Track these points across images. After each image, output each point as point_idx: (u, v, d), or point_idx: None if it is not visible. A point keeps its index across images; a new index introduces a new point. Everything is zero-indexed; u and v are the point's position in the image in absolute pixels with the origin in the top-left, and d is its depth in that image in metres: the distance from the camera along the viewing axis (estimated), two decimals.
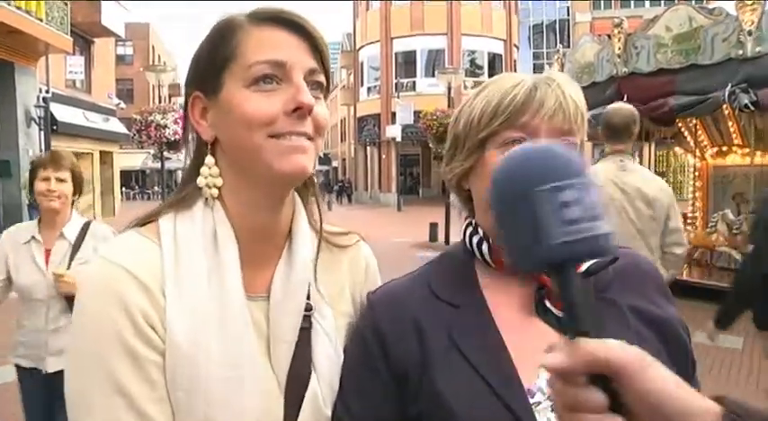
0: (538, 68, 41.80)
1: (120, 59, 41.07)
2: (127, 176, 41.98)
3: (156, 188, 46.12)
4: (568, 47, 38.99)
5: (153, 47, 48.09)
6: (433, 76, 32.65)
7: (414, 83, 34.35)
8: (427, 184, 37.96)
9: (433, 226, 16.62)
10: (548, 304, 0.92)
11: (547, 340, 0.67)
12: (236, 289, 0.93)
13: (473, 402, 0.88)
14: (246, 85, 0.91)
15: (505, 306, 0.97)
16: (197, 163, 0.98)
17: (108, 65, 27.45)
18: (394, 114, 31.99)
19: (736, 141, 10.36)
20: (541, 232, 0.57)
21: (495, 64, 34.42)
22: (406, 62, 35.32)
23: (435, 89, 28.62)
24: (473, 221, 1.06)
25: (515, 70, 36.23)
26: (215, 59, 0.94)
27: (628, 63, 9.08)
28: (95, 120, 23.93)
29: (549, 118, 0.96)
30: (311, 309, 1.00)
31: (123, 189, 35.85)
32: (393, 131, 31.28)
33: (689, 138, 11.53)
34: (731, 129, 10.18)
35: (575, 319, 0.57)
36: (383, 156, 36.42)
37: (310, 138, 0.94)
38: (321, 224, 1.08)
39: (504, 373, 0.88)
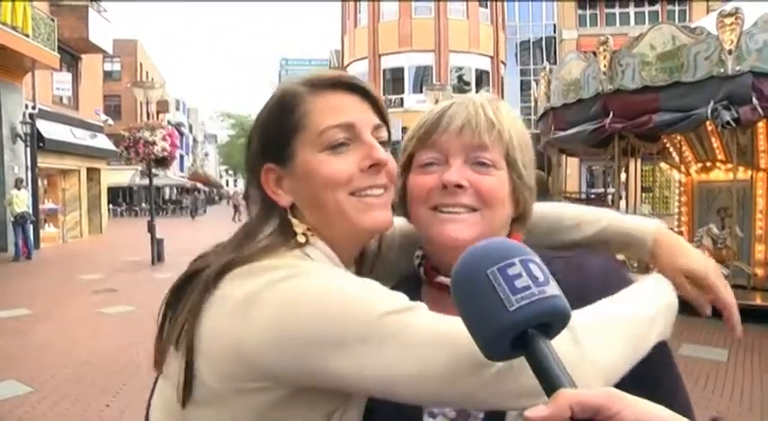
0: (525, 85, 42.06)
1: (108, 75, 40.99)
2: (114, 193, 41.66)
3: (143, 205, 45.87)
4: (555, 63, 39.35)
5: (141, 64, 48.03)
6: (421, 92, 32.85)
7: (401, 99, 34.45)
8: None
9: None
10: None
11: None
12: None
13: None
14: (320, 150, 0.97)
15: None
16: (261, 225, 1.03)
17: (95, 81, 27.35)
18: None
19: (719, 157, 10.48)
20: (500, 304, 0.65)
21: (482, 80, 34.65)
22: (394, 78, 35.45)
23: (423, 105, 28.69)
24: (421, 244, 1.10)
25: (503, 87, 36.59)
26: (283, 131, 1.00)
27: (613, 80, 9.19)
28: (82, 137, 23.79)
29: (457, 135, 0.99)
30: None
31: (110, 206, 35.59)
32: None
33: (674, 154, 11.68)
34: (714, 145, 10.32)
35: (550, 380, 0.63)
36: None
37: (386, 189, 1.01)
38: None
39: None
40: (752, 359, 6.83)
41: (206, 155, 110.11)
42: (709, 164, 10.86)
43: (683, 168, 11.52)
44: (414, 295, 0.99)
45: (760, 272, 9.69)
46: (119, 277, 13.69)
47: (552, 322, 0.67)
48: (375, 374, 0.83)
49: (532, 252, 0.70)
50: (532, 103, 19.56)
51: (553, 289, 0.67)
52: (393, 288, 0.93)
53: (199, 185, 65.31)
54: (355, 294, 0.87)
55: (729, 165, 9.86)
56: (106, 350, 7.35)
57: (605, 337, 0.84)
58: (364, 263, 1.13)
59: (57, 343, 7.80)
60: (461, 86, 34.23)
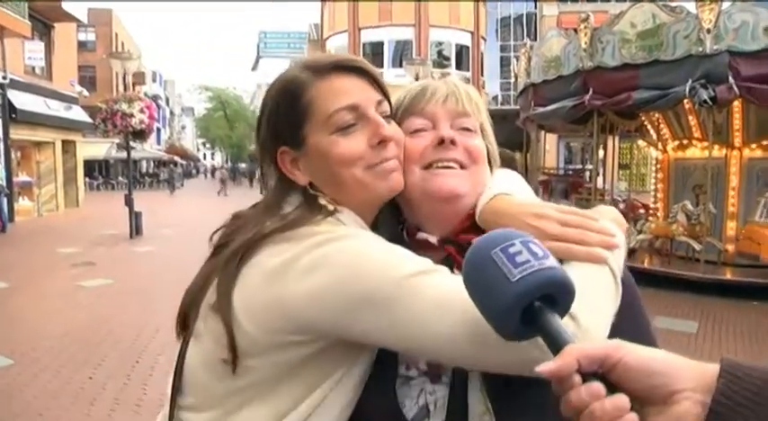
0: (504, 60, 42.03)
1: (82, 46, 40.00)
2: (90, 166, 40.99)
3: (120, 178, 45.23)
4: (535, 40, 39.38)
5: (116, 34, 47.03)
6: (401, 66, 32.66)
7: (381, 73, 34.21)
8: None
9: None
10: (455, 270, 1.01)
11: None
12: None
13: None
14: (331, 133, 1.06)
15: None
16: (279, 201, 1.12)
17: (69, 51, 26.76)
18: None
19: (696, 135, 10.64)
20: (503, 278, 0.72)
21: (462, 55, 34.53)
22: (374, 53, 35.16)
23: (402, 80, 28.51)
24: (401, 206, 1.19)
25: (482, 62, 36.55)
26: (292, 118, 1.08)
27: (593, 57, 9.27)
28: (57, 109, 23.31)
29: (443, 103, 1.11)
30: None
31: (86, 179, 35.00)
32: None
33: (652, 132, 11.83)
34: (691, 123, 10.46)
35: (558, 341, 0.70)
36: None
37: (396, 157, 1.10)
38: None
39: None
40: (720, 330, 7.04)
41: (183, 128, 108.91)
42: (685, 141, 11.02)
43: (660, 146, 11.67)
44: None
45: (731, 248, 9.91)
46: (97, 250, 13.61)
47: (556, 294, 0.73)
48: (401, 331, 0.92)
49: (531, 235, 0.79)
50: (512, 79, 19.66)
51: (552, 262, 0.74)
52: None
53: (176, 158, 64.69)
54: (386, 256, 0.97)
55: (705, 144, 10.02)
56: (86, 323, 7.36)
57: (592, 303, 0.88)
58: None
59: (35, 316, 7.80)
60: (441, 61, 34.11)
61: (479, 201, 1.11)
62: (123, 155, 44.74)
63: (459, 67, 33.89)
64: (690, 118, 10.34)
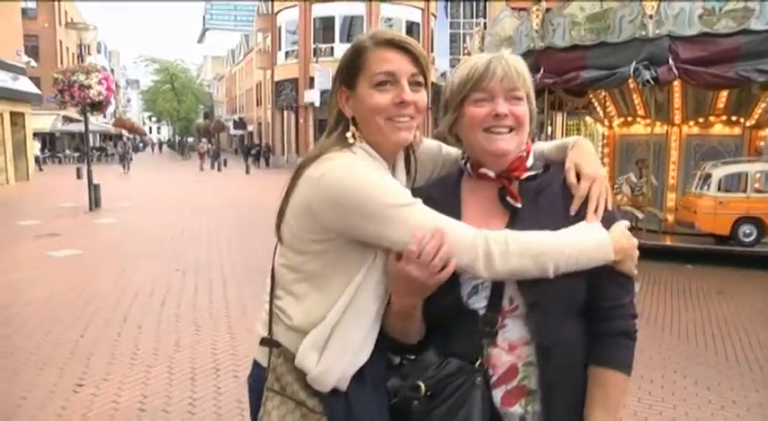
0: (453, 37, 42.50)
1: (23, 13, 38.68)
2: (36, 139, 39.79)
3: (67, 151, 44.01)
4: (484, 18, 39.86)
5: (59, 1, 45.39)
6: (350, 41, 32.60)
7: (332, 48, 34.27)
8: None
9: None
10: (507, 198, 1.50)
11: (493, 223, 1.44)
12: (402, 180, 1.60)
13: None
14: (371, 87, 1.47)
15: (475, 203, 1.55)
16: (335, 126, 1.56)
17: (12, 19, 26.02)
18: (312, 79, 31.98)
19: (639, 113, 11.38)
20: None
21: (412, 32, 34.62)
22: (324, 27, 35.17)
23: None
24: (464, 151, 1.64)
25: (432, 38, 36.89)
26: (352, 69, 1.51)
27: (544, 38, 9.77)
28: (3, 79, 22.81)
29: (500, 81, 1.46)
30: None
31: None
32: (311, 96, 31.36)
33: (599, 109, 12.51)
34: (636, 102, 11.18)
35: None
36: (301, 121, 36.29)
37: (412, 117, 1.50)
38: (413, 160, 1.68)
39: None
40: (660, 290, 7.77)
41: (128, 101, 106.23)
42: (630, 119, 11.76)
43: (606, 122, 12.39)
44: (453, 187, 1.60)
45: (670, 217, 10.73)
46: (58, 222, 13.64)
47: None
48: (383, 235, 1.36)
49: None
50: (462, 56, 20.07)
51: None
52: (434, 185, 1.65)
53: (123, 132, 63.27)
54: (376, 184, 1.37)
55: (648, 121, 10.77)
56: (65, 289, 7.59)
57: (519, 251, 1.35)
58: (410, 170, 1.66)
59: (12, 283, 7.99)
60: None
61: (563, 141, 1.65)
62: (70, 128, 43.73)
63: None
64: (634, 96, 11.05)
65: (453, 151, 1.74)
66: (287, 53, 38.06)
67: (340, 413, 1.44)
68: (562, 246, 1.36)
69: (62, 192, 20.32)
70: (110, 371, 4.92)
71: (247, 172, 33.22)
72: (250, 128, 61.66)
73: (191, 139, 74.97)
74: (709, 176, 9.76)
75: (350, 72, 1.50)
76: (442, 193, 1.57)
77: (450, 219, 1.37)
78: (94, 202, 15.70)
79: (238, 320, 6.35)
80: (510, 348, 1.43)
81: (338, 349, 1.42)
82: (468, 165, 1.58)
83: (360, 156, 1.46)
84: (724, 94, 10.28)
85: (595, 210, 1.46)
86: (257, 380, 1.53)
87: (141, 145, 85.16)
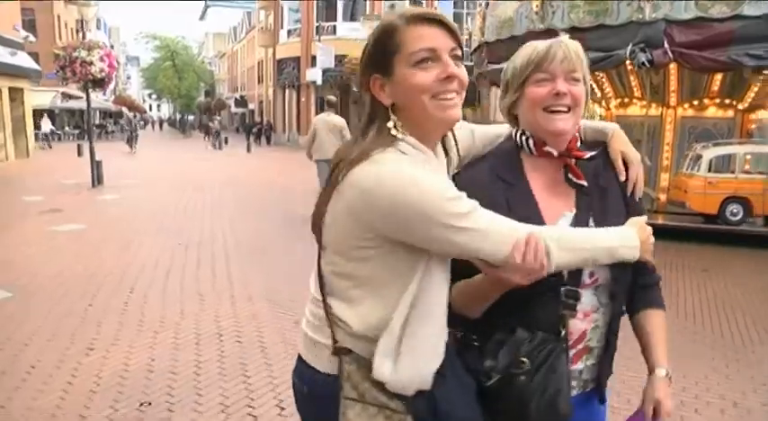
0: (456, 17, 42.25)
1: None
2: (35, 116, 39.60)
3: (67, 128, 43.94)
4: None
5: None
6: (353, 20, 32.66)
7: (334, 27, 34.19)
8: None
9: None
10: (570, 176, 1.62)
11: (562, 200, 1.60)
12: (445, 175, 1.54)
13: None
14: (411, 66, 1.37)
15: (540, 179, 1.64)
16: (373, 118, 1.45)
17: None
18: (314, 58, 31.84)
19: (636, 94, 11.51)
20: None
21: None
22: (327, 6, 35.04)
23: (356, 34, 28.84)
24: (522, 129, 1.70)
25: None
26: (384, 52, 1.40)
27: (544, 20, 9.87)
28: (1, 54, 22.62)
29: (561, 63, 1.55)
30: None
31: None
32: (313, 75, 31.22)
33: (596, 90, 12.63)
34: (632, 84, 11.30)
35: None
36: (302, 99, 36.32)
37: (457, 93, 1.42)
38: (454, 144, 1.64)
39: (535, 220, 1.51)
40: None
41: (128, 78, 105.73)
42: (626, 100, 11.91)
43: (603, 103, 12.54)
44: (513, 161, 1.67)
45: (663, 197, 10.94)
46: (62, 198, 13.78)
47: None
48: (431, 242, 1.34)
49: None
50: (465, 37, 20.10)
51: None
52: (494, 159, 1.68)
53: (124, 110, 63.18)
54: (432, 190, 1.30)
55: (644, 102, 10.92)
56: (71, 262, 7.80)
57: (567, 247, 1.40)
58: (447, 151, 1.60)
59: (19, 256, 8.20)
60: None
61: (597, 124, 1.80)
62: (69, 105, 43.51)
63: None
64: (631, 78, 11.16)
65: (489, 129, 1.81)
66: (289, 31, 38.01)
67: (424, 409, 1.44)
68: (602, 241, 1.47)
69: (63, 169, 20.41)
70: (119, 337, 5.16)
71: (249, 150, 33.30)
72: (251, 106, 61.47)
73: (191, 117, 74.78)
74: (699, 157, 9.99)
75: (383, 56, 1.41)
76: (505, 169, 1.66)
77: (504, 218, 1.38)
78: (97, 179, 15.84)
79: (241, 291, 6.57)
80: (584, 316, 1.61)
81: (411, 356, 1.40)
82: (532, 142, 1.66)
83: (407, 156, 1.38)
84: (718, 77, 10.41)
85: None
86: (323, 386, 1.48)
87: (142, 122, 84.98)
